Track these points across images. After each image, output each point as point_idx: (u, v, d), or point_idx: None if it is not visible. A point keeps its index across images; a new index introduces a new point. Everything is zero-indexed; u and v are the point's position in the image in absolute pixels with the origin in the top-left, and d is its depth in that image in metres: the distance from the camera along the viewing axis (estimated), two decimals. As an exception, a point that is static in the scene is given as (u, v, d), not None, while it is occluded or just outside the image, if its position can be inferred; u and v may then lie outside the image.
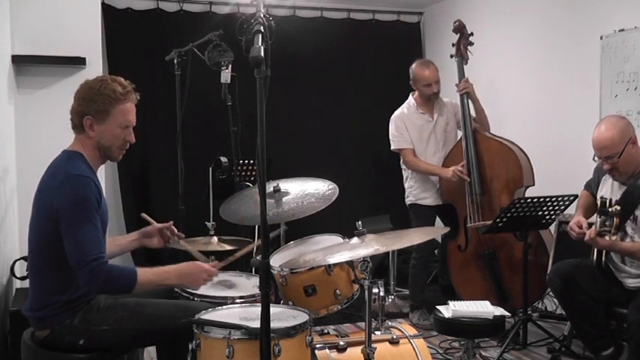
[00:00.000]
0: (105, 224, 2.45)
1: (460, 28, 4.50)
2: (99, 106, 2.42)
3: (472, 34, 4.50)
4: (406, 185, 4.63)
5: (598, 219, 3.11)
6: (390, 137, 4.56)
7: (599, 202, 3.19)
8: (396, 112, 4.58)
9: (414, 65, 4.54)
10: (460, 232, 4.46)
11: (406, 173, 4.62)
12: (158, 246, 2.76)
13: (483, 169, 4.34)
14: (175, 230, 2.79)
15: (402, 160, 4.59)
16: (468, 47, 4.51)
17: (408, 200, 4.61)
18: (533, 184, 4.31)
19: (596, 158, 3.29)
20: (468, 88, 4.40)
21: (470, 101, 4.43)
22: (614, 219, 3.02)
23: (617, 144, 3.17)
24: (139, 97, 2.54)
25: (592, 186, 3.51)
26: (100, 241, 2.34)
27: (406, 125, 4.50)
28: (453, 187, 4.39)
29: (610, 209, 3.04)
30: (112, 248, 2.62)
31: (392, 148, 4.56)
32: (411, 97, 4.61)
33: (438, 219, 4.69)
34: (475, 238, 4.37)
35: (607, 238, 3.03)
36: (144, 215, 2.84)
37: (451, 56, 4.55)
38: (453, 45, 4.53)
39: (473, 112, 4.48)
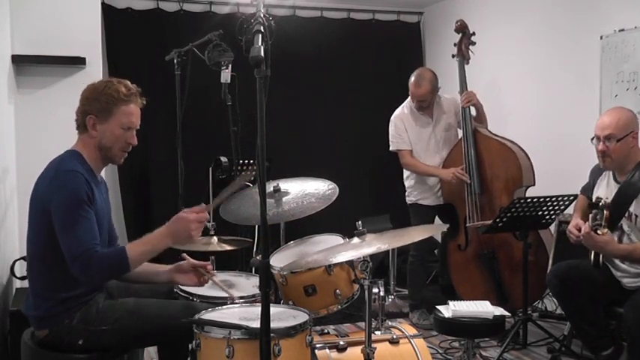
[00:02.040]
0: (100, 221, 2.43)
1: (462, 28, 4.49)
2: (102, 105, 2.43)
3: (474, 33, 4.49)
4: (406, 184, 4.63)
5: (590, 215, 3.13)
6: (390, 138, 4.56)
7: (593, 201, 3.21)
8: (396, 112, 4.58)
9: (412, 75, 4.47)
10: (460, 232, 4.46)
11: (406, 172, 4.62)
12: (190, 284, 2.64)
13: (483, 169, 4.34)
14: (211, 269, 2.68)
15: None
16: (470, 47, 4.50)
17: (409, 200, 4.62)
18: (534, 184, 4.31)
19: (594, 141, 3.30)
20: (471, 100, 4.38)
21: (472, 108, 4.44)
22: (604, 211, 3.04)
23: (621, 127, 3.20)
24: (145, 102, 2.54)
25: (588, 190, 3.51)
26: (91, 233, 2.31)
27: (405, 126, 4.50)
28: (453, 187, 4.39)
29: (599, 203, 3.06)
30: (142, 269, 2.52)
31: (390, 149, 4.56)
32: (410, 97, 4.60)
33: (437, 219, 4.69)
34: (475, 238, 4.37)
35: (599, 232, 3.04)
36: (184, 255, 2.68)
37: (453, 56, 4.54)
38: (455, 45, 4.53)
39: (473, 111, 4.48)
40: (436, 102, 4.54)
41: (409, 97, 4.58)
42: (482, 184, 4.33)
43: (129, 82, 2.52)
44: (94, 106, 2.44)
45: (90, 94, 2.46)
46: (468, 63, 4.50)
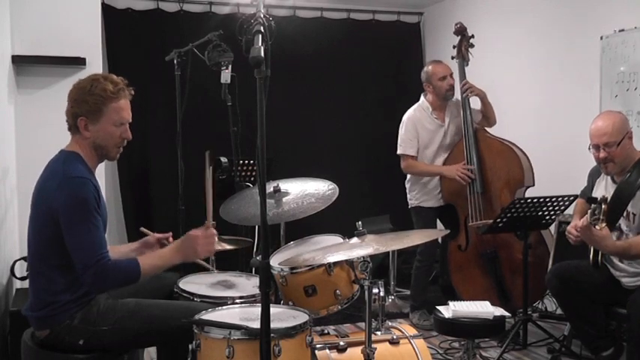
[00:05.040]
0: (104, 224, 2.46)
1: (461, 31, 4.50)
2: (91, 106, 2.42)
3: (473, 36, 4.49)
4: (408, 188, 4.62)
5: (589, 210, 3.13)
6: (399, 140, 4.50)
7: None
8: (408, 114, 4.51)
9: (426, 65, 4.57)
10: (461, 232, 4.46)
11: (408, 176, 4.61)
12: None
13: (485, 168, 4.34)
14: (172, 241, 2.76)
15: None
16: (469, 49, 4.51)
17: (411, 203, 4.60)
18: (534, 185, 4.31)
19: (591, 148, 3.30)
20: (472, 90, 4.39)
21: (471, 101, 4.43)
22: (602, 205, 3.04)
23: (617, 132, 3.21)
24: (134, 93, 2.53)
25: (587, 193, 3.51)
26: (102, 241, 2.34)
27: (418, 129, 4.45)
28: (454, 187, 4.38)
29: (598, 197, 3.07)
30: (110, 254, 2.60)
31: (398, 152, 4.50)
32: (423, 98, 4.55)
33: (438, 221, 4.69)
34: (476, 238, 4.37)
35: (598, 227, 3.04)
36: (143, 229, 2.84)
37: (452, 58, 4.54)
38: (454, 47, 4.53)
39: (478, 105, 4.48)
40: (448, 104, 4.53)
41: (422, 100, 4.53)
42: (484, 183, 4.33)
43: (115, 77, 2.49)
44: (83, 108, 2.42)
45: (78, 96, 2.44)
46: (467, 65, 4.51)
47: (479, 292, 4.24)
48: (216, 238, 2.56)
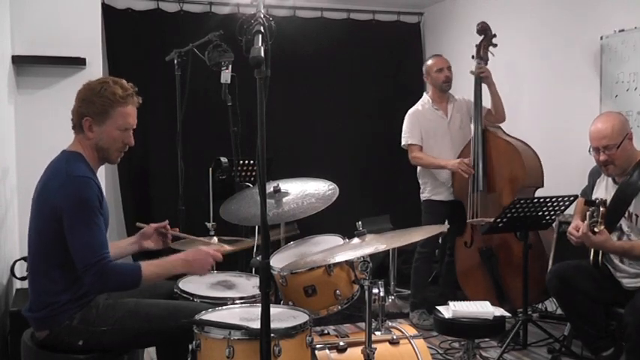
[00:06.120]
0: (106, 223, 2.46)
1: (484, 30, 4.47)
2: (98, 107, 2.43)
3: (495, 35, 4.47)
4: (420, 181, 4.64)
5: (587, 213, 3.13)
6: (402, 134, 4.56)
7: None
8: (411, 110, 4.60)
9: (430, 60, 4.62)
10: (467, 229, 4.47)
11: (419, 169, 4.63)
12: (156, 247, 2.77)
13: (490, 167, 4.35)
14: (169, 227, 2.79)
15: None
16: (490, 49, 4.49)
17: (423, 196, 4.63)
18: (542, 186, 4.31)
19: (591, 151, 3.30)
20: (485, 72, 4.38)
21: (485, 86, 4.43)
22: (600, 208, 3.05)
23: (616, 134, 3.21)
24: (141, 101, 2.54)
25: (587, 192, 3.51)
26: (104, 242, 2.35)
27: (420, 122, 4.51)
28: (463, 183, 4.39)
29: (596, 200, 3.07)
30: (111, 251, 2.61)
31: (402, 144, 4.56)
32: (425, 94, 4.63)
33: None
34: (478, 235, 4.38)
35: (596, 229, 3.04)
36: (139, 224, 2.85)
37: (472, 57, 4.54)
38: (476, 46, 4.51)
39: (488, 105, 4.48)
40: (450, 99, 4.57)
41: (424, 96, 4.61)
42: (487, 182, 4.33)
43: (125, 82, 2.51)
44: (90, 109, 2.43)
45: (86, 96, 2.45)
46: (486, 64, 4.49)
47: (481, 290, 4.25)
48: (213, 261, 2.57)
